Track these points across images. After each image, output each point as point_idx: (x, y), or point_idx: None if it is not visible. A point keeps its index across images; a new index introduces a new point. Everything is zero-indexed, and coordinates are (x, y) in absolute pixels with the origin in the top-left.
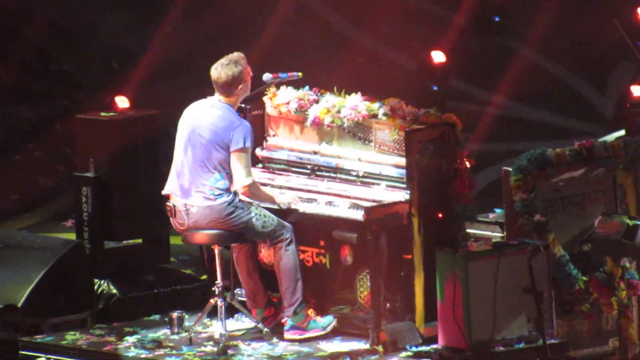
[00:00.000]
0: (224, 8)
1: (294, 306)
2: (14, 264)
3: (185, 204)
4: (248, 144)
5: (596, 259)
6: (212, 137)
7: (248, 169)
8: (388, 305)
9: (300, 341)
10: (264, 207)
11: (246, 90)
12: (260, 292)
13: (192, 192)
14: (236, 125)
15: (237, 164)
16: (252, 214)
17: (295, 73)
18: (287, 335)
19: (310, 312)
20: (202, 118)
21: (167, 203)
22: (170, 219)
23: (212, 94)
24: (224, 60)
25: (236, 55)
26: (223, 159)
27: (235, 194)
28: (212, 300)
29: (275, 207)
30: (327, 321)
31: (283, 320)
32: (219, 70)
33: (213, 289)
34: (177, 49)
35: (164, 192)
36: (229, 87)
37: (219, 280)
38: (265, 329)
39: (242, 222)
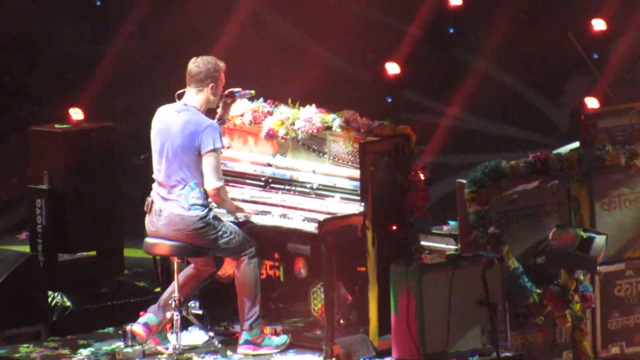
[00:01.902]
0: (178, 20)
1: (250, 320)
2: None
3: (160, 207)
4: (218, 145)
5: (550, 272)
6: (182, 142)
7: (219, 171)
8: (342, 318)
9: (253, 356)
10: (230, 222)
11: (215, 95)
12: (168, 307)
13: (168, 200)
14: (204, 127)
15: (208, 166)
16: (220, 232)
17: (248, 91)
18: (240, 349)
19: (267, 329)
20: (172, 125)
21: (147, 197)
22: (146, 215)
23: (170, 102)
24: (205, 56)
25: (220, 61)
26: (195, 163)
27: (210, 209)
28: (167, 314)
29: (233, 218)
30: (282, 340)
31: (237, 334)
32: (198, 62)
33: (169, 302)
34: (131, 61)
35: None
36: (202, 81)
37: (175, 294)
38: (219, 343)
39: (209, 239)
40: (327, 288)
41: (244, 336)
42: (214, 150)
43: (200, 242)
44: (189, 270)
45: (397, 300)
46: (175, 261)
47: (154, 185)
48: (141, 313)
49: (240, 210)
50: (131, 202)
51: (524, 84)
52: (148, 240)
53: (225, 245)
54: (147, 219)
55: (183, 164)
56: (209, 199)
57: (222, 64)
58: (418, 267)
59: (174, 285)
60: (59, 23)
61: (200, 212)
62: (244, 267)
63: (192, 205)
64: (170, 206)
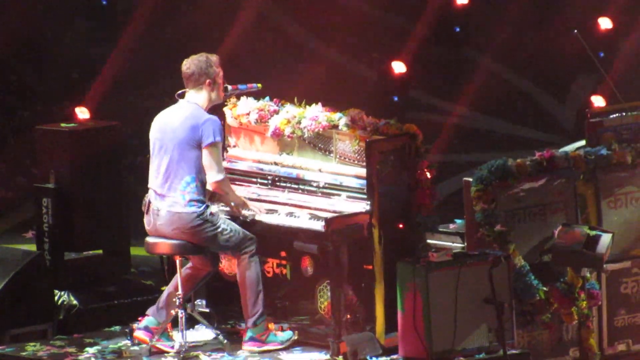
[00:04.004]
0: (184, 19)
1: (253, 317)
2: None
3: (158, 206)
4: (218, 138)
5: (557, 270)
6: (183, 135)
7: (220, 164)
8: (348, 315)
9: (259, 353)
10: (229, 219)
11: (215, 90)
12: (171, 306)
13: (164, 196)
14: (204, 120)
15: (209, 159)
16: (219, 229)
17: (254, 84)
18: (245, 346)
19: (271, 325)
20: (172, 120)
21: (145, 197)
22: (144, 215)
23: (174, 102)
24: (196, 55)
25: (211, 55)
26: (195, 158)
27: (207, 206)
28: (172, 312)
29: (239, 216)
30: (287, 336)
31: (243, 332)
32: (189, 62)
33: (174, 299)
34: (138, 60)
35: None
36: (196, 79)
37: (179, 291)
38: (225, 341)
39: (207, 236)
40: (334, 286)
41: (248, 333)
42: (215, 142)
43: (199, 239)
44: (186, 270)
45: (403, 298)
46: (178, 259)
47: (150, 183)
48: (139, 318)
49: (246, 205)
50: (137, 200)
51: (530, 83)
52: (149, 239)
53: (224, 242)
54: (145, 219)
55: (182, 159)
56: (207, 196)
57: (213, 57)
58: (425, 265)
59: (173, 285)
60: (65, 23)
61: (197, 209)
62: (245, 266)
63: (189, 201)
64: (167, 204)
